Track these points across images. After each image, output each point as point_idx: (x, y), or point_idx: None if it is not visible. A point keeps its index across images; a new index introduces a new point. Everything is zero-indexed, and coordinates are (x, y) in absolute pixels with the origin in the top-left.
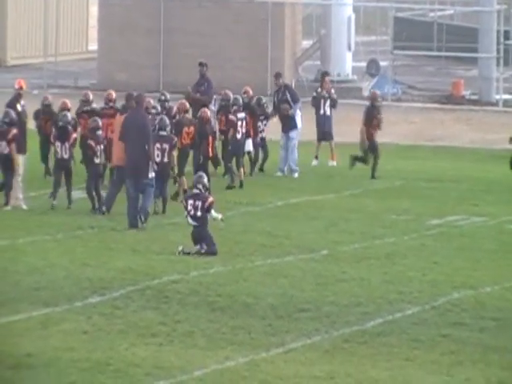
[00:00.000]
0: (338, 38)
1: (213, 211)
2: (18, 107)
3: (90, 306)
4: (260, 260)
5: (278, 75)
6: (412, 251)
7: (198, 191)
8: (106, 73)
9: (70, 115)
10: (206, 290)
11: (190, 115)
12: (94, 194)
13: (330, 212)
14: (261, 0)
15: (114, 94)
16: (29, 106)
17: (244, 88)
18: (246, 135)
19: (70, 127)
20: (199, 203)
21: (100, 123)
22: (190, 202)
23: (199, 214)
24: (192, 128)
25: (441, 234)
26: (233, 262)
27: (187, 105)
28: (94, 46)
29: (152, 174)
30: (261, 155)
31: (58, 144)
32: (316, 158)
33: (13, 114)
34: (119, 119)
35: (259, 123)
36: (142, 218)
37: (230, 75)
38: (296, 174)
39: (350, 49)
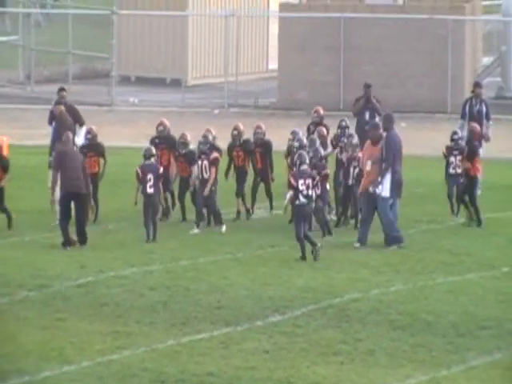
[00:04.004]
0: None
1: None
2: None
3: (271, 324)
4: (441, 278)
5: (478, 84)
6: None
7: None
8: (286, 91)
9: None
10: (386, 309)
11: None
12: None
13: (511, 229)
14: (441, 17)
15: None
16: (212, 126)
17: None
18: None
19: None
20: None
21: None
22: (301, 181)
23: (310, 192)
24: None
25: None
26: (414, 280)
27: None
28: (274, 65)
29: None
30: None
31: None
32: None
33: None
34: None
35: (452, 158)
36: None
37: (410, 92)
38: (479, 192)
39: None
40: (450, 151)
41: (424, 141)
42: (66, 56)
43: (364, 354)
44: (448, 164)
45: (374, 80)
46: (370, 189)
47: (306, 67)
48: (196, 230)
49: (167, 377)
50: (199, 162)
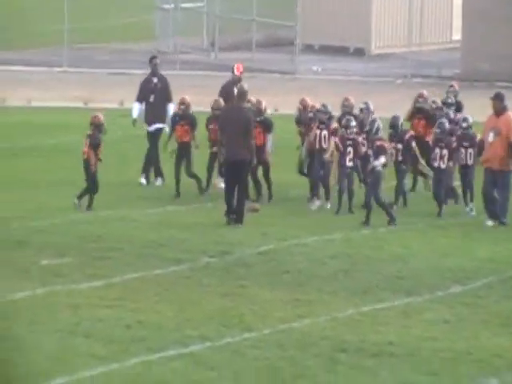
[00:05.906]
0: None
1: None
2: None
3: (451, 295)
4: None
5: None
6: None
7: None
8: (469, 63)
9: None
10: None
11: None
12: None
13: None
14: None
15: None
16: (400, 95)
17: None
18: None
19: None
20: None
21: None
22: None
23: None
24: None
25: None
26: None
27: None
28: (458, 35)
29: None
30: None
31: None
32: None
33: None
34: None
35: None
36: None
37: None
38: None
39: None
40: None
41: None
42: (249, 23)
43: None
44: None
45: None
46: None
47: (490, 38)
48: (317, 202)
49: (348, 345)
50: (317, 132)
